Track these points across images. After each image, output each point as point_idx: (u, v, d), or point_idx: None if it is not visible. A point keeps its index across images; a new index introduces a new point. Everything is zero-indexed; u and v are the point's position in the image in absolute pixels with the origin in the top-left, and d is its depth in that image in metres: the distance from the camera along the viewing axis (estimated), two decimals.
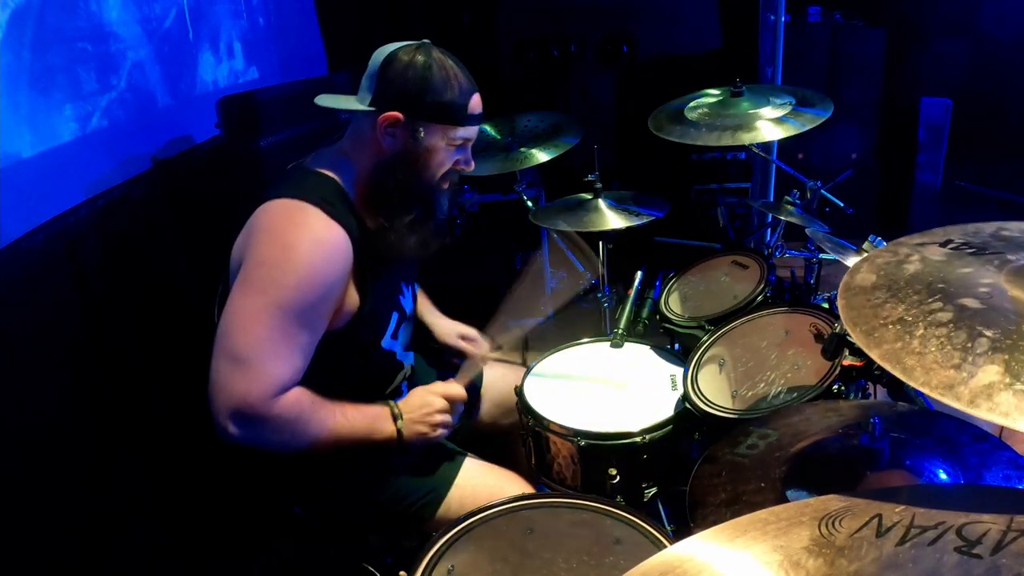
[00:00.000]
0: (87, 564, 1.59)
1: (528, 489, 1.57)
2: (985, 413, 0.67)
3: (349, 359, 1.49)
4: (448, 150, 1.44)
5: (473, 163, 1.51)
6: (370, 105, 1.40)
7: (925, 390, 0.71)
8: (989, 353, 0.72)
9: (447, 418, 1.50)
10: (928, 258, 0.91)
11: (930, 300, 0.82)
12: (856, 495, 0.71)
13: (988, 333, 0.74)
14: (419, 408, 1.48)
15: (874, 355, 0.78)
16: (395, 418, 1.45)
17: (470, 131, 1.46)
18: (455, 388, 1.54)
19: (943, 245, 0.93)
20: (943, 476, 1.06)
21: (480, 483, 1.55)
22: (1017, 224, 0.98)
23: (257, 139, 2.20)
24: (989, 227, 0.97)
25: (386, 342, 1.55)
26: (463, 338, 1.85)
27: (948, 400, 0.69)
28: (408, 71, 1.37)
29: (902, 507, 0.67)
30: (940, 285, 0.84)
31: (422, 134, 1.39)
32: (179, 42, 2.31)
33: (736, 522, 0.69)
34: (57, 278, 1.63)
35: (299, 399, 1.34)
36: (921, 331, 0.78)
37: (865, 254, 1.65)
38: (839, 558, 0.63)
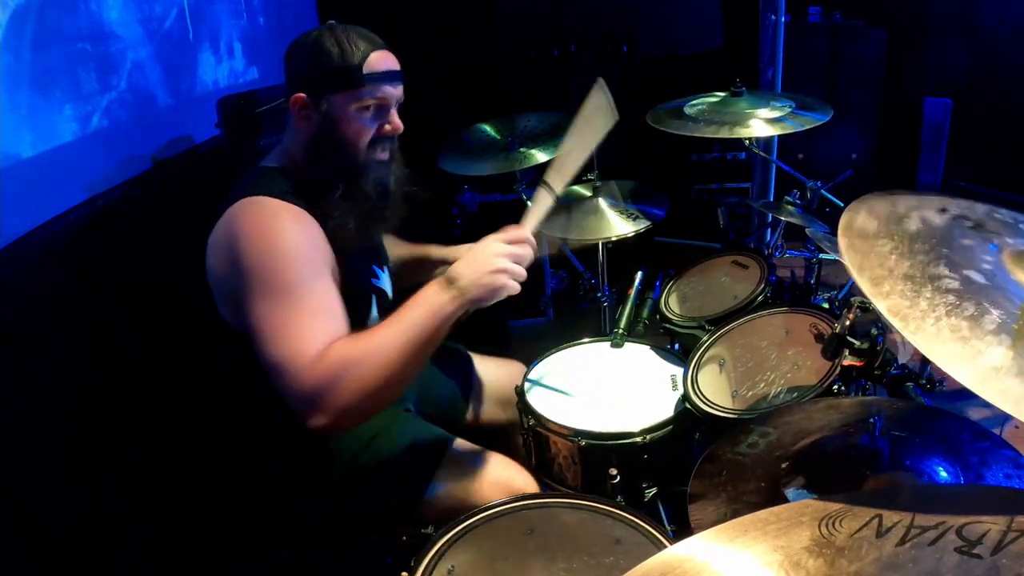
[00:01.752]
0: (87, 564, 1.59)
1: (521, 473, 1.56)
2: (990, 396, 0.66)
3: None
4: (361, 116, 1.40)
5: (399, 124, 1.46)
6: (284, 96, 1.42)
7: (934, 358, 0.70)
8: (997, 333, 0.71)
9: (512, 263, 1.32)
10: (928, 221, 0.90)
11: (937, 264, 0.80)
12: (857, 496, 0.70)
13: (995, 313, 0.73)
14: (480, 261, 1.31)
15: (881, 307, 0.76)
16: (449, 282, 1.29)
17: (378, 91, 1.40)
18: (515, 231, 1.37)
19: (940, 212, 0.92)
20: (944, 475, 1.06)
21: (468, 463, 1.53)
22: (1007, 211, 0.97)
23: (257, 139, 2.20)
24: (982, 207, 0.96)
25: (372, 323, 1.54)
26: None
27: (955, 373, 0.68)
28: (301, 52, 1.39)
29: (902, 507, 0.67)
30: (944, 250, 0.83)
31: (326, 106, 1.39)
32: (179, 42, 2.31)
33: (737, 522, 0.69)
34: (57, 278, 1.63)
35: (329, 353, 1.22)
36: (929, 294, 0.76)
37: None
38: (839, 558, 0.62)
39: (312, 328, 1.25)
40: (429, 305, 1.27)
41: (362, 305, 1.52)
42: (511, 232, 1.36)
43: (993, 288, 0.77)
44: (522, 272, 1.33)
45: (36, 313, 1.56)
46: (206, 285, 1.43)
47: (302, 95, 1.39)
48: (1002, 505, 0.65)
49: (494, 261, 1.31)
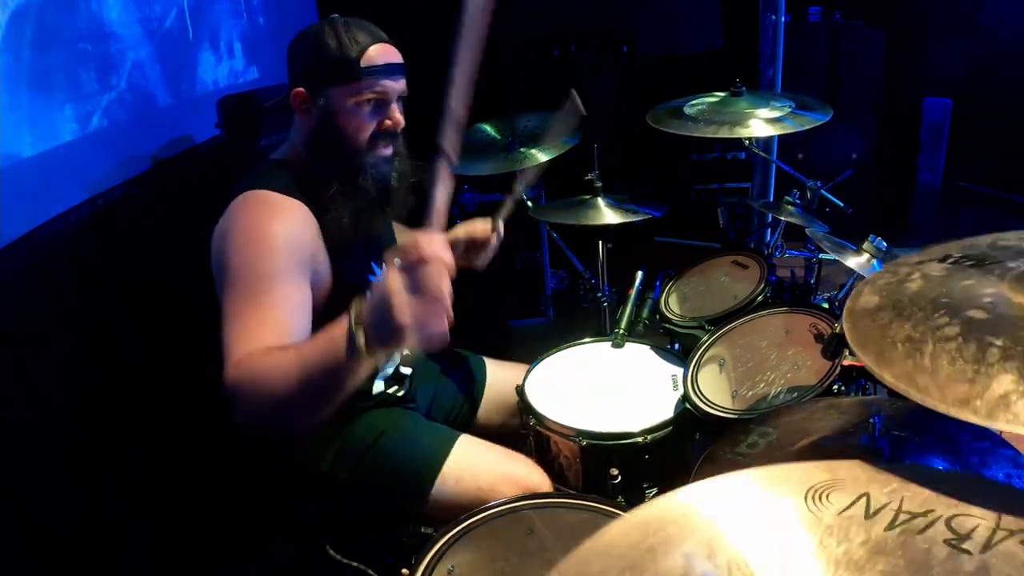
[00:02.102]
0: (87, 564, 1.59)
1: (530, 467, 1.56)
2: (1004, 425, 0.66)
3: None
4: (360, 110, 1.38)
5: (400, 119, 1.43)
6: (287, 91, 1.42)
7: (941, 408, 0.70)
8: (1001, 362, 0.71)
9: (411, 313, 0.97)
10: (929, 275, 0.91)
11: (936, 315, 0.81)
12: (841, 467, 0.70)
13: (998, 342, 0.73)
14: (378, 309, 1.00)
15: (886, 378, 0.77)
16: (357, 324, 1.03)
17: (376, 84, 1.37)
18: (418, 244, 1.00)
19: (942, 261, 0.93)
20: None
21: (477, 459, 1.53)
22: (1014, 233, 0.97)
23: (257, 139, 2.20)
24: (986, 239, 0.96)
25: None
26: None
27: (966, 416, 0.68)
28: (301, 46, 1.39)
29: (890, 488, 0.67)
30: (944, 300, 0.84)
31: (323, 101, 1.38)
32: (179, 42, 2.31)
33: (719, 479, 0.69)
34: (57, 278, 1.63)
35: (248, 358, 1.12)
36: (931, 348, 0.77)
37: (865, 254, 1.65)
38: (827, 537, 0.62)
39: (256, 325, 1.17)
40: (332, 353, 1.05)
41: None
42: (411, 248, 1.00)
43: (994, 319, 0.78)
44: (439, 311, 0.99)
45: (36, 313, 1.56)
46: (207, 283, 1.43)
47: (302, 90, 1.39)
48: (990, 499, 0.65)
49: (398, 314, 0.97)
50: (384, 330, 0.99)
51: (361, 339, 1.02)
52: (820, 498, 0.66)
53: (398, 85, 1.41)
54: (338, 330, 1.05)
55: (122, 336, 1.80)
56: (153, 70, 2.15)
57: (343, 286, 1.44)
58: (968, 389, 0.70)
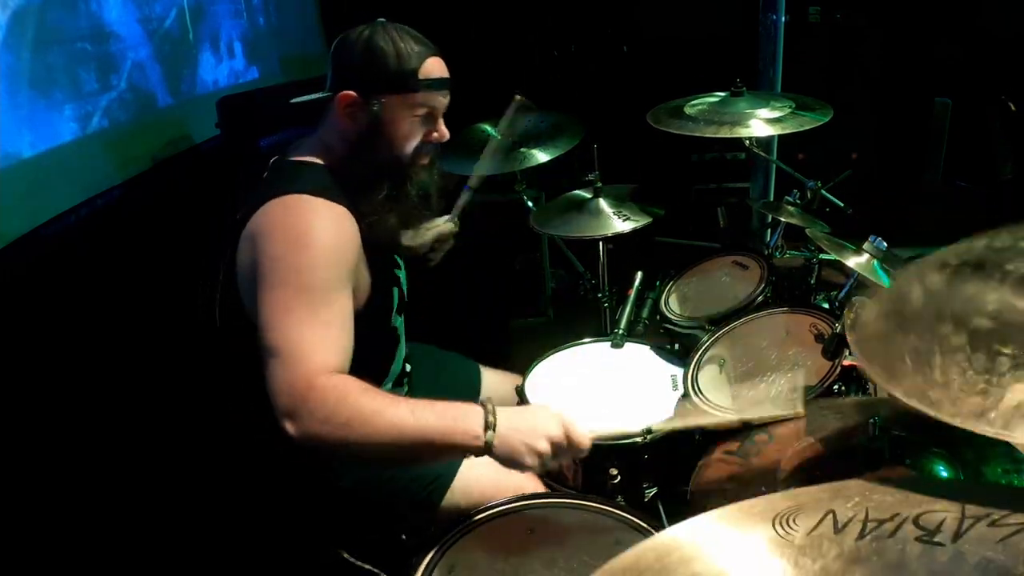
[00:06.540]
0: (87, 564, 1.59)
1: (530, 479, 1.56)
2: (1022, 437, 0.65)
3: (363, 341, 1.48)
4: (412, 120, 1.41)
5: (446, 132, 1.47)
6: (328, 90, 1.40)
7: (956, 421, 0.69)
8: (1013, 371, 0.70)
9: (551, 454, 1.19)
10: (929, 286, 0.90)
11: (940, 326, 0.80)
12: (803, 492, 0.70)
13: (1007, 351, 0.72)
14: (529, 424, 1.19)
15: (897, 393, 0.75)
16: (487, 425, 1.17)
17: (430, 98, 1.41)
18: (581, 434, 1.22)
19: (940, 269, 0.92)
20: (944, 473, 1.06)
21: (483, 472, 1.53)
22: (1007, 231, 0.96)
23: (257, 139, 2.20)
24: (980, 240, 0.95)
25: (394, 318, 1.55)
26: None
27: (981, 428, 0.67)
28: (355, 48, 1.38)
29: (853, 502, 0.67)
30: (947, 310, 0.83)
31: (377, 108, 1.38)
32: (179, 42, 2.31)
33: (689, 523, 0.68)
34: (57, 278, 1.64)
35: (344, 381, 1.18)
36: (939, 360, 0.76)
37: (865, 254, 1.65)
38: (801, 557, 0.62)
39: (325, 338, 1.23)
40: (454, 434, 1.16)
41: (388, 300, 1.53)
42: (576, 433, 1.21)
43: (1001, 327, 0.76)
44: (551, 466, 1.22)
45: (36, 313, 1.56)
46: (205, 283, 1.43)
47: (352, 93, 1.38)
48: (949, 492, 0.65)
49: (539, 443, 1.17)
50: (515, 445, 1.17)
51: (491, 440, 1.16)
52: (787, 523, 0.65)
53: (446, 100, 1.44)
54: (467, 420, 1.17)
55: (122, 336, 1.80)
56: (153, 70, 2.15)
57: (376, 285, 1.44)
58: (981, 402, 0.69)
